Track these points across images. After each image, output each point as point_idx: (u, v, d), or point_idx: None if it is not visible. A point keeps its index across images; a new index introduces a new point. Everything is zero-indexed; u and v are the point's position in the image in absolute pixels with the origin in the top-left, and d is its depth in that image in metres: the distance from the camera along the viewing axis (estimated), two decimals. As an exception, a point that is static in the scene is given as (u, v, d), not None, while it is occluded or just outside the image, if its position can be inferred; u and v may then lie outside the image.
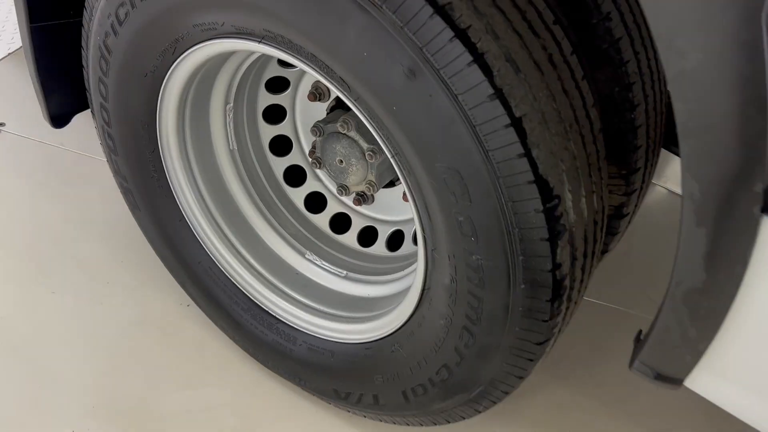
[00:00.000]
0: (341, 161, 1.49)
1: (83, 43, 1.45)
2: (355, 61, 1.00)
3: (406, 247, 1.62)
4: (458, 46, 0.92)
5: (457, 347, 1.20)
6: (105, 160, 2.21)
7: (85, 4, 1.39)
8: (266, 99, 1.64)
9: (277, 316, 1.59)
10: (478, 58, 0.92)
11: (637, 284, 2.29)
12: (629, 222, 1.46)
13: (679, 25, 0.69)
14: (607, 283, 2.12)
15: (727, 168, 0.76)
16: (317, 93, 1.53)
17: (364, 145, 1.44)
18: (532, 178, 0.96)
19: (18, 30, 2.99)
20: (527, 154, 0.95)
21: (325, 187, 1.75)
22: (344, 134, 1.45)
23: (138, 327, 1.81)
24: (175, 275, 1.72)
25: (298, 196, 1.75)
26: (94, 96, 1.49)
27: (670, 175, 2.59)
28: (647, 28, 1.30)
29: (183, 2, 1.16)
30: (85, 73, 1.51)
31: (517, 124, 0.94)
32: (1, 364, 1.68)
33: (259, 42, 1.14)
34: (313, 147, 1.56)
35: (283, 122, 1.70)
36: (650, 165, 1.40)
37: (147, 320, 1.82)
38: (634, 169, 1.33)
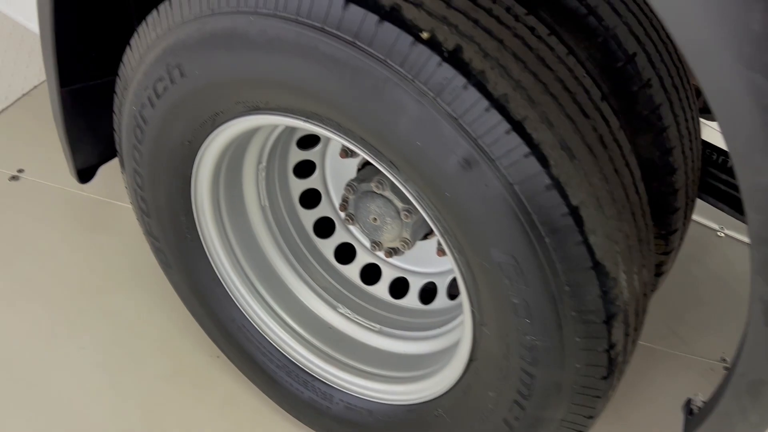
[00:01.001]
0: (375, 219, 1.49)
1: (115, 109, 1.45)
2: (408, 149, 1.00)
3: (441, 300, 1.62)
4: (515, 138, 0.92)
5: (506, 419, 1.20)
6: (126, 204, 2.22)
7: (119, 73, 1.39)
8: (297, 155, 1.64)
9: (312, 374, 1.59)
10: (535, 149, 0.93)
11: (660, 317, 2.30)
12: (665, 277, 1.47)
13: (757, 143, 0.69)
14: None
15: (798, 273, 0.76)
16: (349, 151, 1.53)
17: (399, 205, 1.44)
18: (590, 264, 0.96)
19: (30, 70, 2.99)
20: (585, 241, 0.95)
21: (355, 237, 1.75)
22: (379, 194, 1.45)
23: (170, 381, 1.80)
24: (208, 331, 1.71)
25: (327, 247, 1.75)
26: (126, 160, 1.48)
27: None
28: (686, 90, 1.32)
29: (226, 82, 1.15)
30: (116, 136, 1.50)
31: (574, 212, 0.94)
32: (34, 425, 1.68)
33: (305, 121, 1.14)
34: (345, 202, 1.56)
35: (313, 176, 1.70)
36: (687, 223, 1.41)
37: (178, 373, 1.82)
38: (674, 230, 1.33)
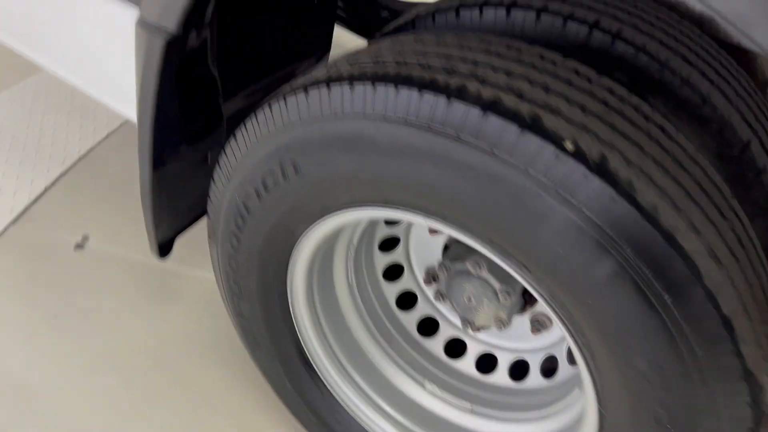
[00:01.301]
0: (469, 299, 1.47)
1: (212, 196, 1.45)
2: (546, 256, 0.99)
3: (534, 379, 1.59)
4: (665, 248, 0.91)
5: None
6: (193, 272, 2.22)
7: (219, 162, 1.39)
8: (383, 231, 1.64)
9: (407, 458, 1.56)
10: (687, 259, 0.91)
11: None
12: None
13: None
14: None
15: None
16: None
17: (497, 286, 1.42)
18: (741, 374, 0.94)
19: (84, 130, 3.01)
20: (737, 351, 0.93)
21: (437, 310, 1.74)
22: (475, 275, 1.44)
23: (251, 459, 1.78)
24: (293, 410, 1.69)
25: (410, 321, 1.74)
26: (222, 245, 1.48)
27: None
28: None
29: (343, 181, 1.15)
30: (210, 220, 1.50)
31: (726, 321, 0.93)
32: None
33: (426, 218, 1.13)
34: (434, 278, 1.56)
35: (397, 250, 1.69)
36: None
37: (259, 451, 1.80)
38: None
